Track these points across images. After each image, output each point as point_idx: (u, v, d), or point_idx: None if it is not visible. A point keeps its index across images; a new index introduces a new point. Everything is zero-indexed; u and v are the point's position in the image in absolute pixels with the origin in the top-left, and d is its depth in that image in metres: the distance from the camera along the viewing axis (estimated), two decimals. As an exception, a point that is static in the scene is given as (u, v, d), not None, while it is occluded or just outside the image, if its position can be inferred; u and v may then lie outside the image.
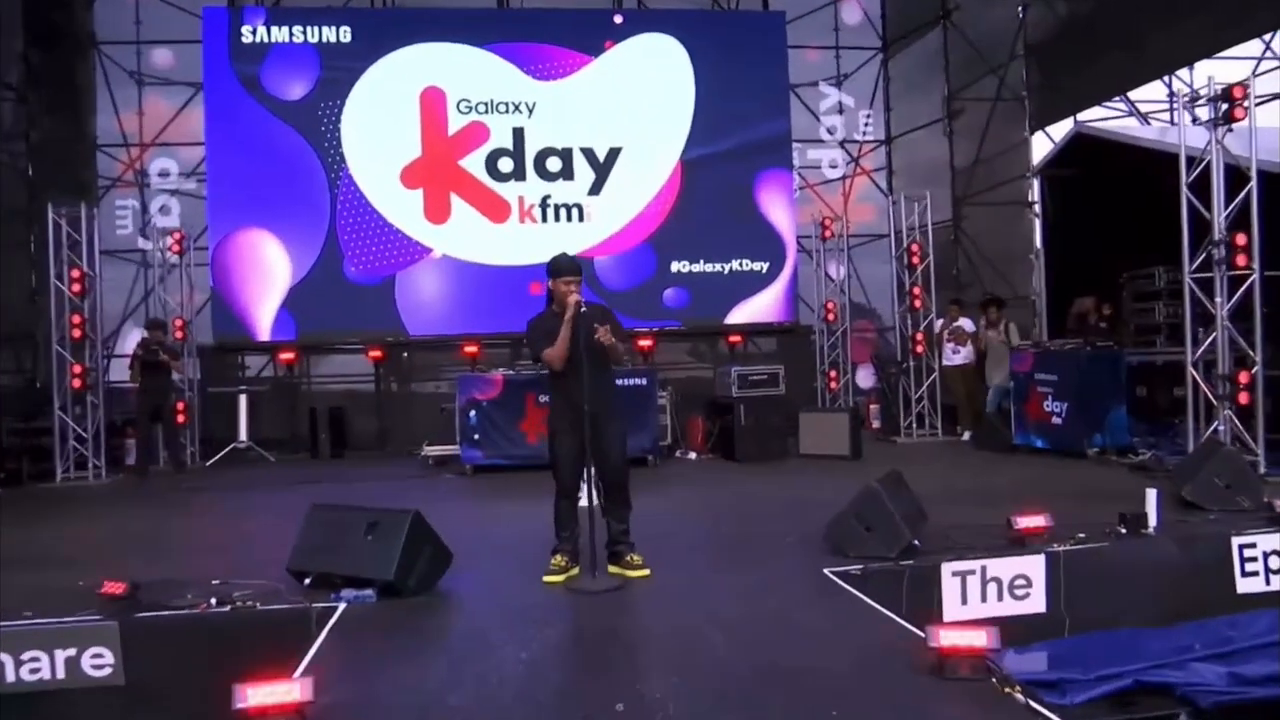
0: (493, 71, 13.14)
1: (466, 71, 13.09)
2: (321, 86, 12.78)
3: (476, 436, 10.06)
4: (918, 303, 12.24)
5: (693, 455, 11.04)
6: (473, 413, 10.05)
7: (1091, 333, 10.92)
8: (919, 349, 12.25)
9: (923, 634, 3.96)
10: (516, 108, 13.18)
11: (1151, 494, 5.85)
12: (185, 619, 4.57)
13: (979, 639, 3.66)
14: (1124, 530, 5.73)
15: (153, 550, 6.39)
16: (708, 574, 5.33)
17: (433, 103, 13.02)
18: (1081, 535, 5.64)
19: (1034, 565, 5.36)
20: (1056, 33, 12.23)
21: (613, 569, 5.33)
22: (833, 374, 13.57)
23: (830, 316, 13.58)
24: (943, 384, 12.32)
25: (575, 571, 5.28)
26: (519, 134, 13.18)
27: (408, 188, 12.92)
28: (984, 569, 5.28)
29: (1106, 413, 9.59)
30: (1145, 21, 10.61)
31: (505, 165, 13.14)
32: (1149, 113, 13.42)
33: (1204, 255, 8.08)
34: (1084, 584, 5.39)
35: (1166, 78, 12.86)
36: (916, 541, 5.40)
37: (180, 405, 11.63)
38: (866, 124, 15.41)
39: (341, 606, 4.64)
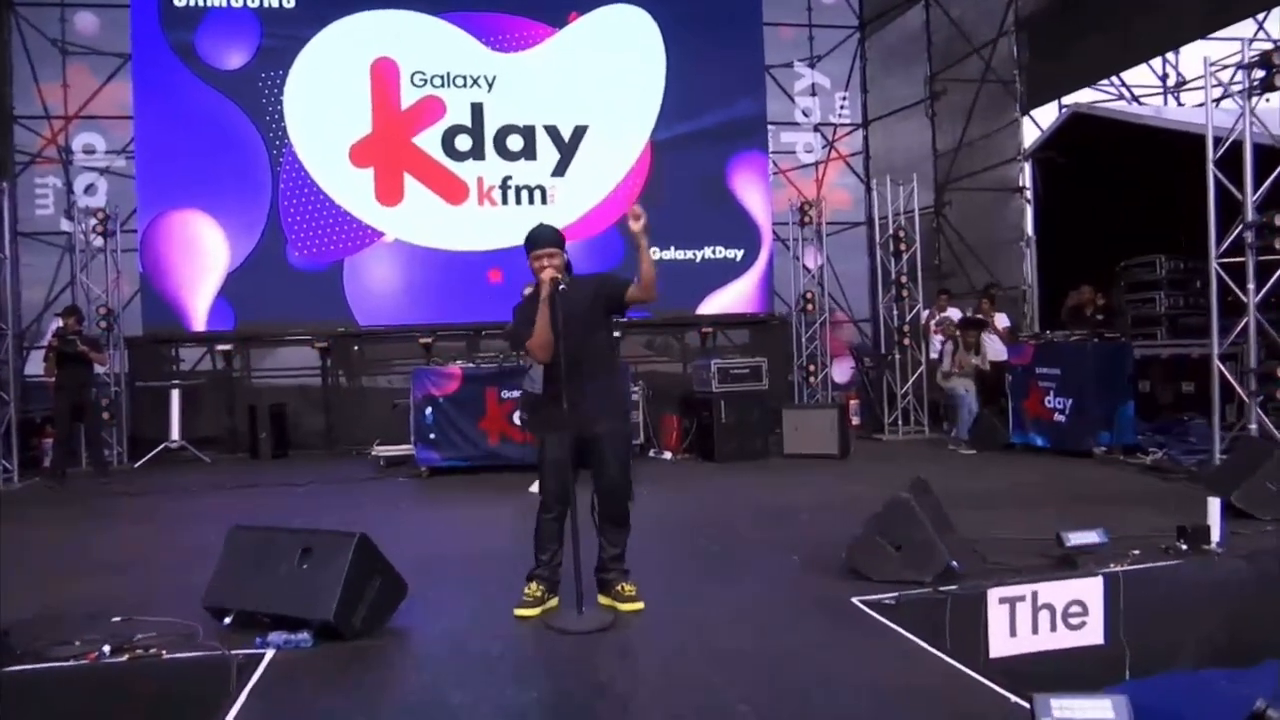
0: (449, 42, 12.22)
1: (421, 41, 12.15)
2: (262, 55, 11.78)
3: (432, 436, 9.15)
4: (905, 292, 11.52)
5: (668, 455, 10.22)
6: (428, 410, 9.14)
7: (1086, 325, 10.28)
8: (905, 341, 11.54)
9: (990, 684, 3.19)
10: (475, 81, 12.28)
11: (1214, 504, 5.14)
12: (69, 673, 3.64)
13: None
14: (1184, 546, 5.01)
15: (46, 574, 5.36)
16: (708, 604, 4.48)
17: (384, 75, 12.06)
18: (1136, 553, 4.90)
19: (1091, 589, 4.62)
20: (1049, 7, 11.56)
21: (602, 599, 4.50)
22: (811, 368, 12.83)
23: (809, 307, 12.82)
24: (929, 378, 11.65)
25: (553, 604, 4.42)
26: (478, 110, 12.29)
27: (357, 166, 11.96)
28: (1034, 595, 4.53)
29: (1114, 410, 8.95)
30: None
31: (463, 143, 12.26)
32: (1141, 95, 12.83)
33: (1232, 239, 7.41)
34: (1144, 610, 4.66)
35: (1171, 56, 12.32)
36: (954, 563, 4.62)
37: (105, 401, 10.57)
38: (842, 106, 14.68)
39: (269, 654, 3.75)
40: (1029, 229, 11.81)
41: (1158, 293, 10.57)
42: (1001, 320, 11.06)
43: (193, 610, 4.15)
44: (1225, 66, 7.39)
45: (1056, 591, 4.57)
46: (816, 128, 14.52)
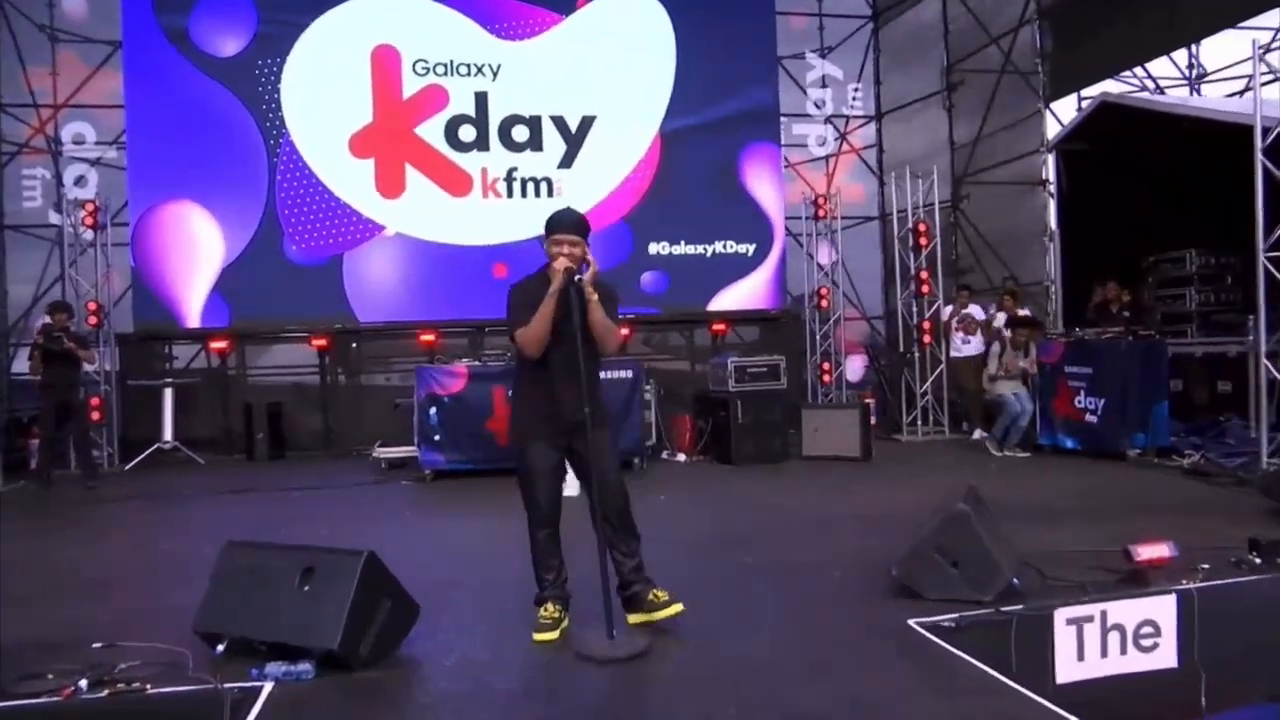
0: (452, 29, 11.79)
1: (423, 28, 11.72)
2: (259, 42, 11.34)
3: (437, 437, 8.75)
4: (925, 288, 11.13)
5: (681, 457, 9.82)
6: (433, 410, 8.73)
7: (1113, 322, 9.90)
8: (926, 339, 11.14)
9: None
10: (479, 70, 11.85)
11: (1292, 515, 4.74)
12: (42, 711, 3.24)
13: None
14: (1258, 560, 4.63)
15: (21, 591, 4.91)
16: (750, 631, 4.08)
17: (385, 62, 11.63)
18: (1205, 567, 4.51)
19: (1163, 608, 4.23)
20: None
21: (633, 619, 4.07)
22: (825, 366, 12.44)
23: (823, 304, 12.43)
24: (950, 377, 11.27)
25: (566, 623, 4.03)
26: (482, 99, 11.85)
27: (357, 157, 11.53)
28: (1103, 614, 4.14)
29: (1148, 410, 8.57)
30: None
31: (467, 134, 11.82)
32: (1166, 86, 12.45)
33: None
34: (1220, 630, 4.28)
35: (1192, 48, 11.96)
36: (1016, 580, 4.24)
37: (94, 401, 10.16)
38: (855, 98, 14.29)
39: (267, 687, 3.36)
40: (1052, 223, 11.43)
41: (1188, 289, 10.17)
42: (977, 312, 10.69)
43: (182, 634, 3.75)
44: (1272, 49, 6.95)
45: (1127, 611, 4.18)
46: (829, 120, 14.14)
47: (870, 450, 9.32)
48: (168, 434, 10.55)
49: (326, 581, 3.58)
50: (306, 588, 3.60)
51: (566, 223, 4.03)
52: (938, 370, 11.28)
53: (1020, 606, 4.07)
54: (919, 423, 11.27)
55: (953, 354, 11.11)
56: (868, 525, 6.16)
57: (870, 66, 14.23)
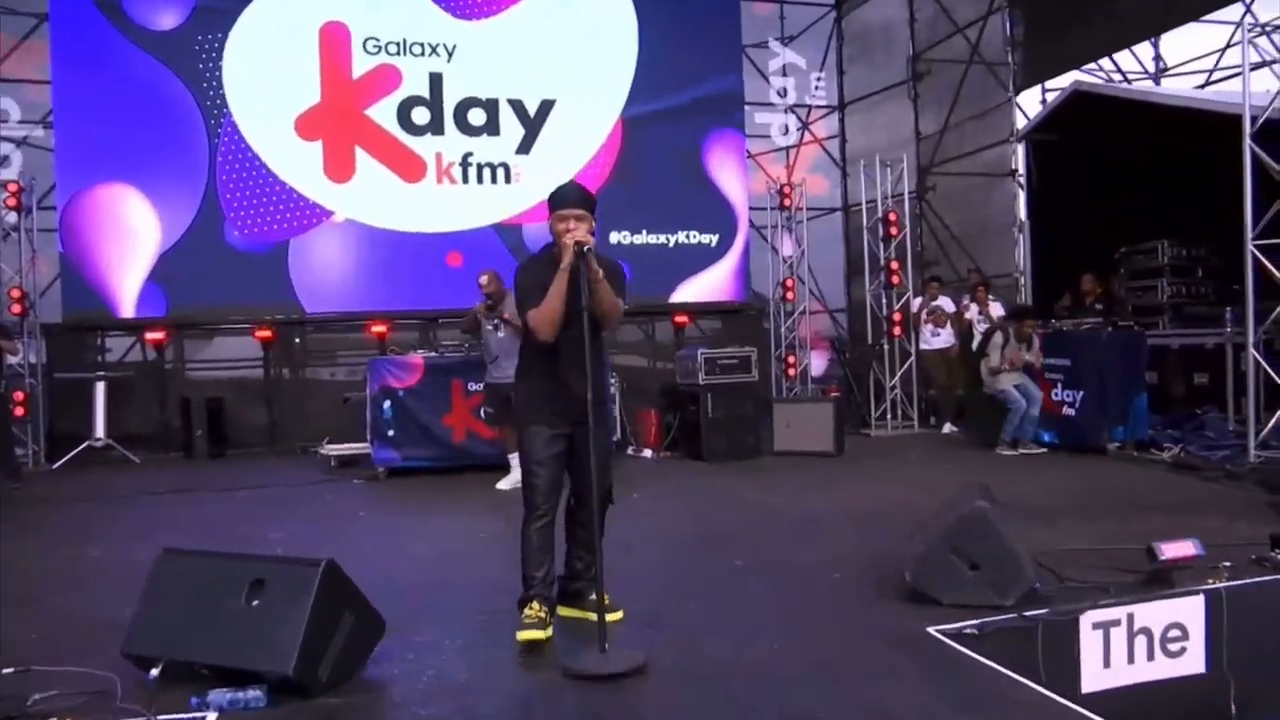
0: (406, 5, 11.30)
1: (375, 4, 11.20)
2: (198, 15, 10.73)
3: (391, 433, 8.25)
4: (895, 278, 10.87)
5: (648, 453, 9.42)
6: (386, 404, 8.23)
7: (1088, 315, 9.73)
8: (896, 330, 10.89)
9: None
10: (434, 49, 11.36)
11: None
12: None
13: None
14: (1283, 558, 4.37)
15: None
16: (755, 641, 3.69)
17: (334, 40, 11.07)
18: (1228, 565, 4.24)
19: (1190, 610, 3.95)
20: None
21: (566, 612, 3.97)
22: (790, 359, 12.15)
23: (790, 295, 12.14)
24: (919, 370, 11.04)
25: (551, 625, 3.70)
26: (436, 80, 11.36)
27: (304, 139, 10.96)
28: (1130, 618, 3.85)
29: (1128, 403, 8.38)
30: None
31: (420, 116, 11.33)
32: (1131, 79, 12.33)
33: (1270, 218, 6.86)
34: (1249, 633, 4.01)
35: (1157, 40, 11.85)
36: (1038, 584, 3.92)
37: (18, 395, 9.48)
38: (818, 87, 14.02)
39: (210, 718, 2.89)
40: (1021, 214, 11.24)
41: (1160, 280, 10.02)
42: (996, 309, 10.48)
43: (110, 657, 3.26)
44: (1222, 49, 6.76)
45: (1154, 613, 3.90)
46: (791, 109, 13.85)
47: (843, 445, 9.03)
48: (99, 431, 9.87)
49: (279, 595, 3.12)
50: (256, 602, 3.13)
51: (573, 197, 3.80)
52: (907, 363, 11.03)
53: (1045, 611, 3.75)
54: (888, 417, 11.01)
55: (922, 346, 10.88)
56: (856, 523, 5.81)
57: (833, 56, 14.00)
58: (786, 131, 13.91)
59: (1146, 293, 10.20)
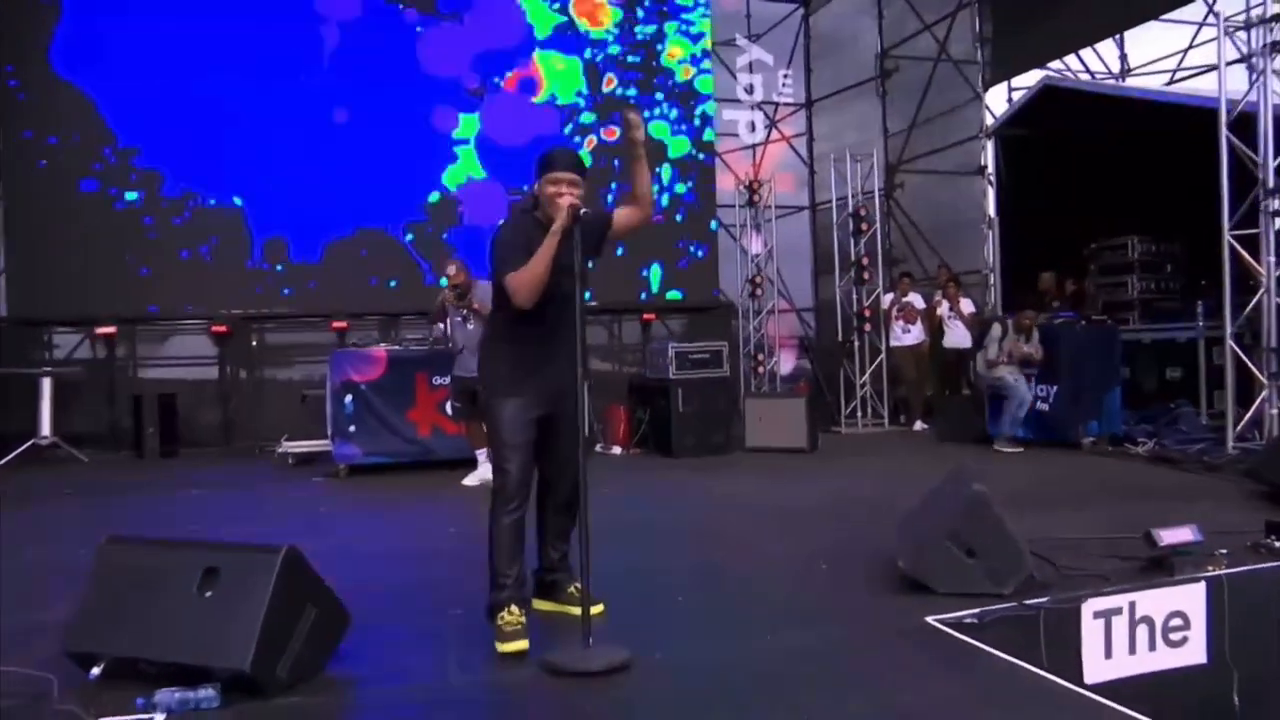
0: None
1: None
2: None
3: (352, 428, 7.95)
4: (866, 274, 10.76)
5: (617, 450, 9.20)
6: (348, 398, 7.93)
7: (1053, 312, 9.70)
8: (867, 327, 10.78)
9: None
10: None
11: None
12: None
13: None
14: (1279, 544, 4.26)
15: None
16: (746, 630, 3.51)
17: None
18: (1224, 553, 4.12)
19: (1191, 598, 3.81)
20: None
21: (545, 605, 3.75)
22: (759, 357, 12.01)
23: (758, 292, 12.00)
24: (890, 367, 10.94)
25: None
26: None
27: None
28: (1132, 606, 3.70)
29: (1102, 397, 8.33)
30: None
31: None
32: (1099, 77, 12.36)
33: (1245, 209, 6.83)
34: (1251, 622, 3.89)
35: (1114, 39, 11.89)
36: (1034, 573, 3.76)
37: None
38: (785, 84, 13.93)
39: (157, 720, 2.63)
40: (991, 210, 11.20)
41: (1130, 276, 10.01)
42: (967, 305, 10.43)
43: (49, 656, 2.99)
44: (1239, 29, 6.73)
45: (1156, 601, 3.76)
46: (758, 106, 13.74)
47: (817, 441, 8.88)
48: (45, 429, 9.43)
49: (234, 585, 2.87)
50: (209, 593, 2.87)
51: (565, 160, 3.52)
52: (877, 360, 10.92)
53: (1045, 599, 3.60)
54: (859, 415, 10.89)
55: (893, 343, 10.77)
56: (837, 516, 5.66)
57: (801, 53, 13.92)
58: (754, 129, 13.80)
59: (1116, 288, 10.19)
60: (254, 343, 11.15)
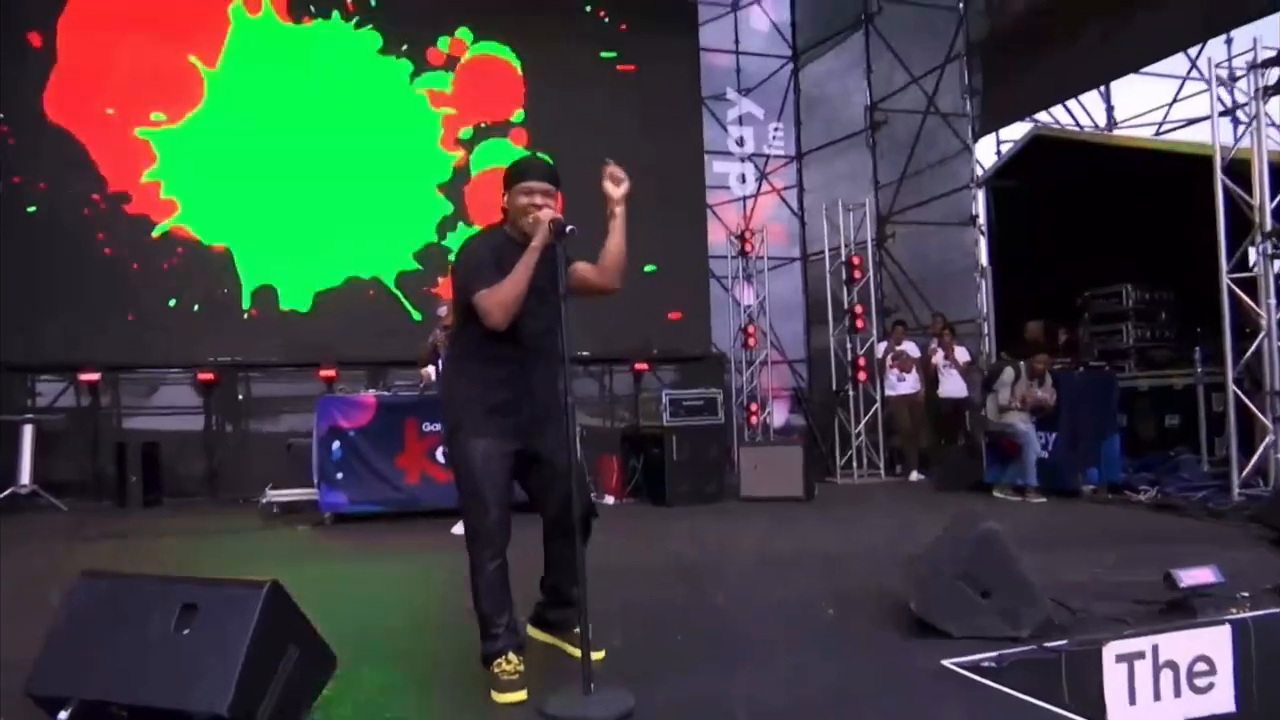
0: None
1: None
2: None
3: (339, 475, 7.77)
4: (860, 323, 10.70)
5: (610, 500, 9.01)
6: (335, 444, 7.77)
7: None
8: (861, 376, 10.68)
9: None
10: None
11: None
12: None
13: None
14: (1299, 587, 4.12)
15: None
16: (756, 676, 3.33)
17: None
18: (1245, 595, 3.98)
19: (1217, 642, 3.67)
20: (1002, 31, 11.13)
21: (541, 635, 3.59)
22: (753, 408, 11.89)
23: (751, 342, 11.92)
24: (884, 416, 10.82)
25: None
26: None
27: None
28: (1155, 649, 3.55)
29: (1100, 444, 8.23)
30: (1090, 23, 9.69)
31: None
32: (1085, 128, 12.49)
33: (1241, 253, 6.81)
34: (1277, 668, 3.73)
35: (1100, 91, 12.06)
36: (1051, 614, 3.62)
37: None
38: (775, 136, 14.03)
39: (127, 769, 2.44)
40: (983, 259, 11.20)
41: (1125, 324, 9.99)
42: (961, 354, 10.36)
43: (12, 702, 2.80)
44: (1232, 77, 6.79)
45: (1179, 645, 3.61)
46: (749, 158, 13.82)
47: (813, 490, 8.73)
48: (25, 477, 9.19)
49: (214, 622, 2.70)
50: (186, 631, 2.70)
51: (538, 169, 3.27)
52: (872, 410, 10.81)
53: (1065, 641, 3.44)
54: (854, 465, 10.75)
55: (888, 392, 10.68)
56: (838, 562, 5.49)
57: (791, 106, 14.04)
58: (744, 181, 13.87)
59: (1111, 336, 10.15)
60: (240, 393, 10.98)
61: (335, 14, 10.87)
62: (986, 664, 3.28)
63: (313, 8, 10.80)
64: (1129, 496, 7.87)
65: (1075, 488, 8.11)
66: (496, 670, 3.13)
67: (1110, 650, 3.46)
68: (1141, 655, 3.52)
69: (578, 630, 3.32)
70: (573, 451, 3.13)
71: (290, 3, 10.74)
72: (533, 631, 3.57)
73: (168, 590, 2.84)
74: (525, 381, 3.22)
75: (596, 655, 3.26)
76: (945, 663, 3.27)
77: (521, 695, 3.03)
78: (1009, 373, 8.25)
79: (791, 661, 3.49)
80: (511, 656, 3.16)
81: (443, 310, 6.89)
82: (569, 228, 3.08)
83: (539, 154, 3.50)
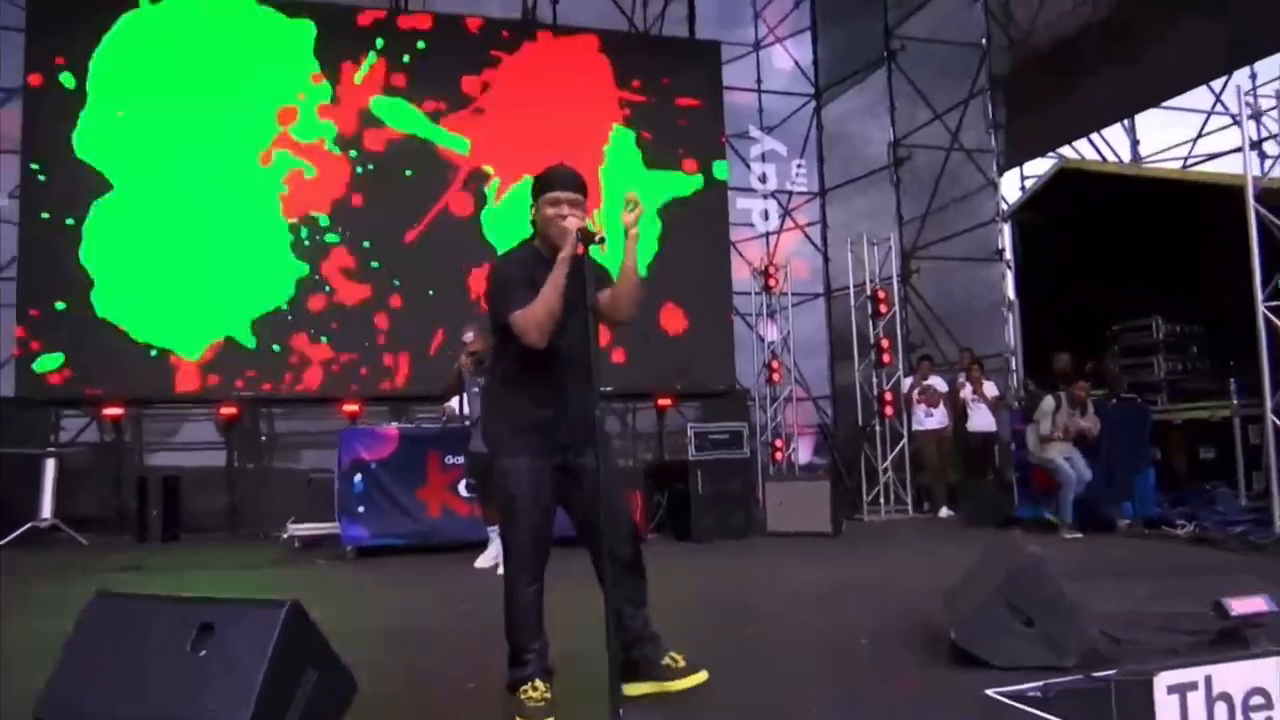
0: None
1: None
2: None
3: (361, 508, 7.70)
4: (886, 357, 10.59)
5: (634, 535, 8.87)
6: (358, 477, 7.70)
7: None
8: (888, 411, 10.54)
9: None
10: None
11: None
12: None
13: None
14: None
15: None
16: (794, 710, 3.21)
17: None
18: (1295, 625, 3.80)
19: (1273, 674, 3.49)
20: (1025, 66, 11.12)
21: (639, 688, 3.19)
22: (778, 443, 11.75)
23: (775, 377, 11.81)
24: (912, 452, 10.65)
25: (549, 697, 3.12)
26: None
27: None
28: (1208, 680, 3.36)
29: (1134, 478, 8.04)
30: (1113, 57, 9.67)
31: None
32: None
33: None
34: (1335, 702, 3.55)
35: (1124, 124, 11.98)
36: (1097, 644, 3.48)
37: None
38: (799, 173, 14.03)
39: (137, 793, 2.35)
40: (1010, 293, 11.08)
41: (1155, 356, 9.82)
42: (990, 388, 10.20)
43: (23, 726, 2.72)
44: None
45: (1233, 676, 3.40)
46: (771, 195, 13.82)
47: (841, 525, 8.56)
48: (46, 511, 9.17)
49: (231, 642, 2.61)
50: (203, 651, 2.61)
51: (567, 178, 3.18)
52: (899, 446, 10.65)
53: (1113, 671, 3.29)
54: (881, 502, 10.56)
55: (915, 427, 10.52)
56: (869, 595, 5.34)
57: (814, 144, 14.05)
58: (767, 217, 13.86)
59: (1141, 369, 9.97)
60: (263, 428, 10.98)
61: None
62: (1032, 693, 3.13)
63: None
64: (1165, 531, 7.67)
65: (1110, 522, 7.92)
66: (523, 697, 3.02)
67: (1161, 681, 3.28)
68: (1194, 686, 3.33)
69: (666, 662, 3.22)
70: (610, 463, 3.08)
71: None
72: (629, 689, 3.13)
73: (185, 610, 2.76)
74: (563, 396, 3.15)
75: (698, 678, 3.20)
76: (989, 692, 3.13)
77: None
78: (1049, 402, 8.02)
79: (828, 693, 3.36)
80: (538, 683, 3.06)
81: (468, 336, 6.77)
82: (597, 235, 3.01)
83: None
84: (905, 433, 10.62)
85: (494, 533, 6.72)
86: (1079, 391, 8.01)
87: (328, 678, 2.76)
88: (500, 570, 5.15)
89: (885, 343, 10.65)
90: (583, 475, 3.17)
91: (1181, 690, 3.32)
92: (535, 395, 3.17)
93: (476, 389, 6.66)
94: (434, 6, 11.62)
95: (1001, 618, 3.42)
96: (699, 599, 5.56)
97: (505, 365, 3.27)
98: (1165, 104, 10.69)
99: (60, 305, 9.81)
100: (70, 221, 9.93)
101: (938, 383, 10.53)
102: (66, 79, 10.07)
